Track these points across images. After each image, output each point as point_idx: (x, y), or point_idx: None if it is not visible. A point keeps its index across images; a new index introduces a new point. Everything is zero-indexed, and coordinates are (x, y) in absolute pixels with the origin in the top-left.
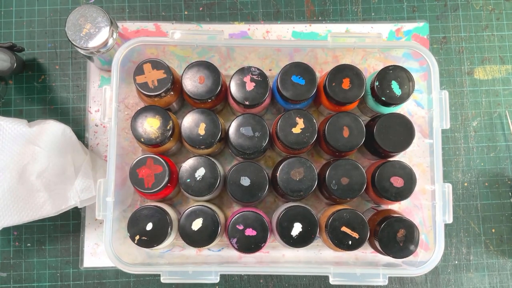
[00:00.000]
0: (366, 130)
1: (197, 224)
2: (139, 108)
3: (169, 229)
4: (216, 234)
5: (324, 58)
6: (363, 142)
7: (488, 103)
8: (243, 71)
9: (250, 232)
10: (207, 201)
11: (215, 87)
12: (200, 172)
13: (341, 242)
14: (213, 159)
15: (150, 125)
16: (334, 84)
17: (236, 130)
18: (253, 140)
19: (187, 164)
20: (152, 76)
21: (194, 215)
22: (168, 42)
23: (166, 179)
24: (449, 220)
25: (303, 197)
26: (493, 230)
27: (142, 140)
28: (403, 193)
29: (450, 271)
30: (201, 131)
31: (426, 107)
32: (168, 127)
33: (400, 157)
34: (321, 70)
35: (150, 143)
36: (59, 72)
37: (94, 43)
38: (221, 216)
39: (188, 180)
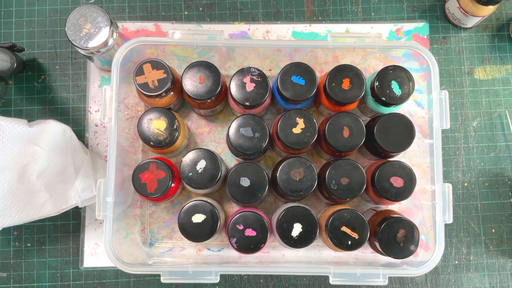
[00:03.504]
0: (366, 130)
1: (196, 219)
2: (141, 112)
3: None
4: (215, 229)
5: (324, 58)
6: (363, 142)
7: (488, 103)
8: (243, 71)
9: (250, 232)
10: (210, 194)
11: (215, 87)
12: (201, 165)
13: (341, 242)
14: (212, 151)
15: (157, 128)
16: (334, 84)
17: (236, 131)
18: (253, 140)
19: (187, 158)
20: (152, 76)
21: (193, 209)
22: (168, 42)
23: (169, 183)
24: (449, 220)
25: (303, 197)
26: (493, 230)
27: (152, 144)
28: (403, 193)
29: (450, 271)
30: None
31: (426, 107)
32: (174, 127)
33: (400, 157)
34: (321, 70)
35: (159, 146)
36: (59, 72)
37: (94, 43)
38: (221, 212)
39: (190, 174)
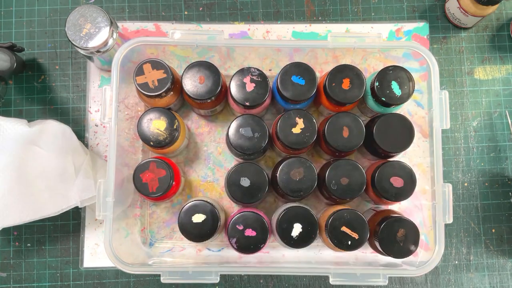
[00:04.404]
0: (366, 130)
1: (196, 219)
2: (141, 112)
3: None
4: (215, 229)
5: (324, 58)
6: (362, 142)
7: (488, 103)
8: (243, 72)
9: (249, 232)
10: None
11: (215, 87)
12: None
13: (341, 242)
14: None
15: (157, 127)
16: (334, 84)
17: (236, 131)
18: (252, 140)
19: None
20: (152, 76)
21: (193, 209)
22: (168, 42)
23: (170, 181)
24: (449, 220)
25: (303, 197)
26: (493, 230)
27: (152, 144)
28: (403, 193)
29: (450, 271)
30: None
31: (426, 107)
32: (174, 127)
33: (400, 157)
34: (321, 70)
35: (159, 146)
36: (59, 72)
37: (94, 43)
38: (221, 212)
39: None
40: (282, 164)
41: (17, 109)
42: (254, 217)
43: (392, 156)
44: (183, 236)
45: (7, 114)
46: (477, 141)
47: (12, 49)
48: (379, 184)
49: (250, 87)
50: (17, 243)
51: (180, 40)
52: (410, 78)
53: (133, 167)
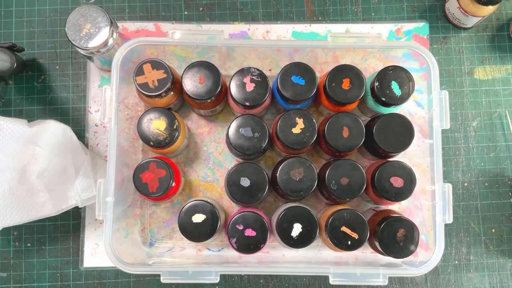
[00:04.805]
0: (365, 130)
1: (196, 219)
2: (141, 112)
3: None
4: (215, 229)
5: (324, 58)
6: (362, 142)
7: (488, 103)
8: (243, 72)
9: (249, 232)
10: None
11: (215, 87)
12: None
13: (341, 242)
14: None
15: (157, 128)
16: (334, 84)
17: (236, 131)
18: (252, 140)
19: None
20: (152, 76)
21: (193, 209)
22: (168, 42)
23: (170, 181)
24: (449, 220)
25: (303, 197)
26: (493, 230)
27: (152, 144)
28: (403, 193)
29: (450, 271)
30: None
31: (426, 107)
32: (174, 127)
33: (400, 157)
34: (321, 70)
35: (159, 145)
36: (59, 72)
37: (94, 43)
38: (221, 212)
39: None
40: (282, 164)
41: (17, 109)
42: (254, 217)
43: (392, 156)
44: (183, 236)
45: (7, 114)
46: (477, 141)
47: (12, 49)
48: (379, 184)
49: (250, 87)
50: (17, 243)
51: (180, 40)
52: (410, 78)
53: (133, 167)
